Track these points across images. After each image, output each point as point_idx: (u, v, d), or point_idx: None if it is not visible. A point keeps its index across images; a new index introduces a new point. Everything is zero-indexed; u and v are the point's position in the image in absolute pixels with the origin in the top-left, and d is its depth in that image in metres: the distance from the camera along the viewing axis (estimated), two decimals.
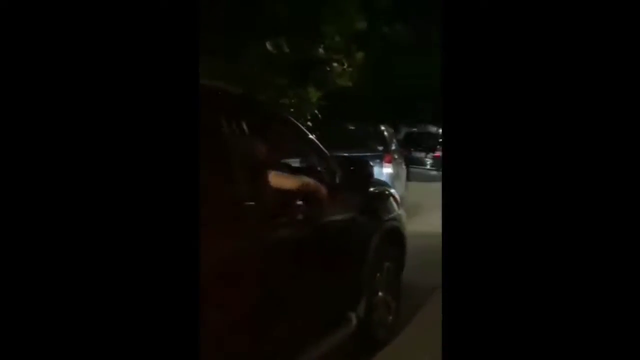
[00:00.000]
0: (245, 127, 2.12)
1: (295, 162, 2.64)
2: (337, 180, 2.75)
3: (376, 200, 3.16)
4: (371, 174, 3.12)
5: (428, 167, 14.58)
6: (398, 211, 3.32)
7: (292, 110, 7.43)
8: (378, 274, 2.94)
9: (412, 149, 13.82)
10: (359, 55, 8.47)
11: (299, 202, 2.30)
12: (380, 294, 2.97)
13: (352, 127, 8.02)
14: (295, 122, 2.79)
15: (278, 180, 2.27)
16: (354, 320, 2.64)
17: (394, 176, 6.90)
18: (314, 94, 8.02)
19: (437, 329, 1.17)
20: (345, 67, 8.25)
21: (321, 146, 2.79)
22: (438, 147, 14.19)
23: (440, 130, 14.34)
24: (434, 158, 14.62)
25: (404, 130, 15.96)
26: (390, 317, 3.08)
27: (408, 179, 8.68)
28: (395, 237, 3.19)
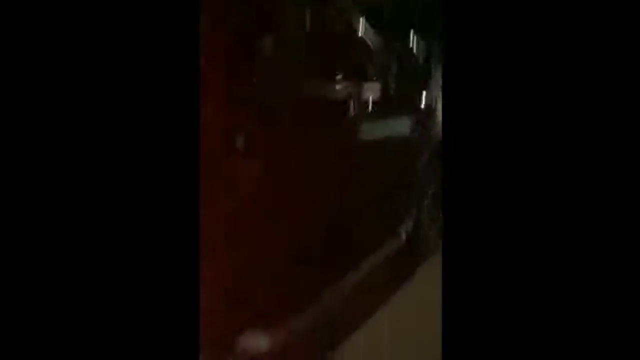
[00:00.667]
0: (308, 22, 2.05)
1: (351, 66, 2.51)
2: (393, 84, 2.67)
3: (425, 114, 3.09)
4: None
5: None
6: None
7: None
8: (427, 192, 2.96)
9: None
10: None
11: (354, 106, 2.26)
12: (424, 213, 3.01)
13: None
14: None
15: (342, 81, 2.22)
16: (404, 235, 2.70)
17: None
18: None
19: None
20: None
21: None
22: None
23: None
24: None
25: None
26: (432, 234, 3.14)
27: None
28: (439, 159, 3.18)
